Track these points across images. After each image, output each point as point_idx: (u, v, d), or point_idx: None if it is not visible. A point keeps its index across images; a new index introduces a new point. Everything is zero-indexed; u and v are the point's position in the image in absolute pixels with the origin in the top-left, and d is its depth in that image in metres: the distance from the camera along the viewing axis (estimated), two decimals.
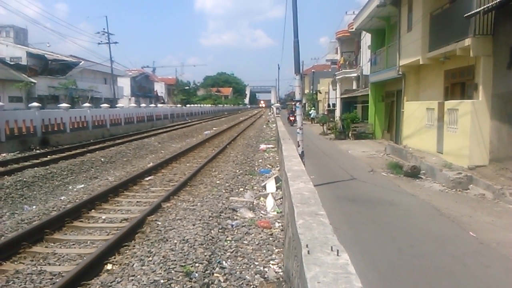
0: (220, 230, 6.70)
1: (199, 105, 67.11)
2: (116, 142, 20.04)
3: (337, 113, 33.85)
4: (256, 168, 13.30)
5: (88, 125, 23.35)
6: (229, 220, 7.36)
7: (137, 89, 65.02)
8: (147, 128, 30.98)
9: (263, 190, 9.83)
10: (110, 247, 5.86)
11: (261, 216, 7.73)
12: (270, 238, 6.43)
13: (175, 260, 5.30)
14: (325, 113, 38.21)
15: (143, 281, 4.76)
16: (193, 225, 6.82)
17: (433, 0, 14.65)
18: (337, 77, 35.86)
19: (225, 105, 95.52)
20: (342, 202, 9.17)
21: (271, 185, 9.84)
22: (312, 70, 56.90)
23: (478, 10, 10.47)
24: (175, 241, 6.03)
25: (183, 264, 5.17)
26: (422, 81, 16.83)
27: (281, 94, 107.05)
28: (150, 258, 5.46)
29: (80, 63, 46.06)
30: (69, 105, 23.13)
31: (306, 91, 54.77)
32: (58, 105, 23.04)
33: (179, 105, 54.86)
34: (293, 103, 29.07)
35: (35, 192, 10.22)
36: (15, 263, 5.68)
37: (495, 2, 9.95)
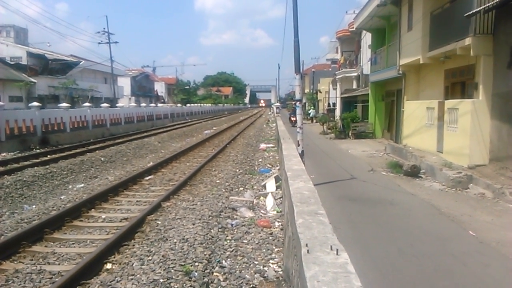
0: (220, 229, 6.70)
1: (199, 104, 67.08)
2: (116, 142, 20.05)
3: (337, 112, 33.84)
4: (256, 168, 13.30)
5: (88, 125, 23.35)
6: (229, 219, 7.35)
7: (137, 88, 65.00)
8: (147, 128, 30.98)
9: (263, 190, 9.83)
10: (110, 246, 5.86)
11: (261, 216, 7.73)
12: (270, 237, 6.43)
13: (174, 260, 5.30)
14: (325, 112, 38.21)
15: (142, 281, 4.76)
16: (193, 224, 6.82)
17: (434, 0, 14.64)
18: (337, 77, 35.84)
19: (225, 104, 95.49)
20: (342, 201, 9.17)
21: (271, 185, 9.83)
22: (312, 70, 56.87)
23: (478, 9, 10.46)
24: (175, 241, 6.03)
25: (183, 263, 5.17)
26: (422, 81, 16.82)
27: (281, 94, 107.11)
28: (150, 258, 5.46)
29: (81, 63, 46.03)
30: (69, 105, 23.14)
31: (306, 90, 54.76)
32: (58, 105, 23.04)
33: (179, 105, 54.83)
34: (293, 103, 29.02)
35: (35, 192, 10.22)
36: (15, 262, 5.68)
37: (495, 1, 9.94)
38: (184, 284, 4.69)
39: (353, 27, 28.22)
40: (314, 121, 40.70)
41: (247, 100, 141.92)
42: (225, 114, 66.05)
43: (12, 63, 37.80)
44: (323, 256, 2.60)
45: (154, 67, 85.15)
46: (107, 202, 8.88)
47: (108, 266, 5.45)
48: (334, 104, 37.59)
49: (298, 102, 11.98)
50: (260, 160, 15.05)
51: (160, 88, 79.16)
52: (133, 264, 5.32)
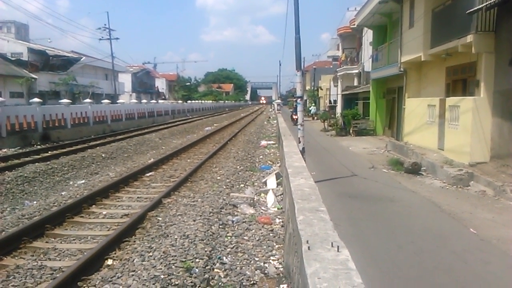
0: (220, 226, 6.71)
1: (200, 101, 67.03)
2: (117, 138, 20.04)
3: (338, 109, 33.82)
4: (257, 164, 13.31)
5: (89, 121, 23.36)
6: (230, 216, 7.36)
7: (138, 85, 64.96)
8: (148, 124, 30.97)
9: (264, 186, 9.83)
10: (111, 242, 5.87)
11: (262, 212, 7.73)
12: (271, 234, 6.44)
13: (175, 256, 5.30)
14: (327, 109, 38.17)
15: (143, 277, 4.77)
16: (194, 220, 6.82)
17: None
18: (338, 74, 35.78)
19: (226, 101, 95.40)
20: (343, 198, 9.17)
21: (271, 181, 9.84)
22: (314, 67, 56.80)
23: (480, 6, 10.43)
24: (176, 237, 6.03)
25: (184, 260, 5.17)
26: (424, 78, 16.78)
27: (282, 91, 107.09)
28: (151, 254, 5.47)
29: (81, 59, 46.02)
30: (70, 101, 23.14)
31: (307, 87, 54.73)
32: (59, 101, 23.06)
33: (180, 101, 54.77)
34: (294, 100, 28.96)
35: (35, 188, 10.24)
36: (16, 258, 5.69)
37: None
38: (185, 280, 4.70)
39: (354, 24, 28.13)
40: (315, 118, 40.67)
41: (248, 97, 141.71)
42: (226, 111, 65.99)
43: (13, 59, 37.79)
44: (324, 252, 2.60)
45: (155, 63, 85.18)
46: (108, 198, 8.89)
47: (109, 262, 5.46)
48: (335, 101, 37.56)
49: (299, 99, 11.97)
50: (261, 157, 15.06)
51: (161, 84, 79.10)
52: (134, 260, 5.33)
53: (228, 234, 6.41)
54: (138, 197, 9.02)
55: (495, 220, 7.56)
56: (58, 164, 12.51)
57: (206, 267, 5.09)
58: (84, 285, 4.79)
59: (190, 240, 5.86)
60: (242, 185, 10.09)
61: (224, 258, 5.47)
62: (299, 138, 11.26)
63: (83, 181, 11.26)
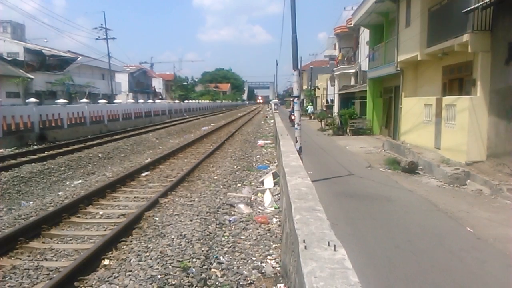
0: (217, 226, 6.71)
1: (197, 101, 66.90)
2: (114, 138, 19.99)
3: (335, 109, 33.84)
4: (254, 164, 13.31)
5: (86, 121, 23.29)
6: (227, 215, 7.36)
7: (135, 84, 64.80)
8: (145, 124, 30.92)
9: (261, 186, 9.83)
10: (108, 242, 5.86)
11: (259, 212, 7.73)
12: (268, 234, 6.43)
13: (172, 256, 5.30)
14: (324, 109, 38.19)
15: (140, 277, 4.76)
16: (191, 220, 6.82)
17: None
18: (335, 73, 35.81)
19: (223, 101, 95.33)
20: (340, 197, 9.18)
21: (268, 181, 9.84)
22: (310, 66, 56.84)
23: (476, 5, 10.45)
24: (173, 237, 6.03)
25: (181, 260, 5.17)
26: (420, 77, 16.82)
27: (279, 90, 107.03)
28: (148, 254, 5.46)
29: (78, 59, 45.85)
30: (66, 101, 23.04)
31: (304, 87, 54.74)
32: (56, 101, 22.95)
33: (177, 101, 54.71)
34: (291, 99, 28.96)
35: (32, 188, 10.20)
36: (12, 258, 5.68)
37: None
38: (182, 280, 4.69)
39: (351, 24, 28.18)
40: (312, 117, 40.70)
41: (245, 96, 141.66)
42: (223, 111, 65.96)
43: (9, 59, 37.64)
44: (321, 252, 2.60)
45: (151, 63, 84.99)
46: (105, 198, 8.87)
47: (106, 262, 5.45)
48: (332, 101, 37.58)
49: (296, 99, 11.96)
50: (258, 156, 15.06)
51: (158, 84, 78.91)
52: (130, 260, 5.32)
53: (225, 234, 6.41)
54: (135, 197, 9.00)
55: (492, 219, 7.59)
56: (55, 164, 12.47)
57: (203, 267, 5.08)
58: (81, 285, 4.78)
59: (187, 240, 5.85)
60: (239, 185, 10.09)
61: (221, 257, 5.47)
62: (296, 137, 11.27)
63: (80, 181, 11.22)
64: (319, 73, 49.76)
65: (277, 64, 66.23)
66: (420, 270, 5.36)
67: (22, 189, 9.98)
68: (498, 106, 10.73)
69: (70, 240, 6.43)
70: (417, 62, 16.14)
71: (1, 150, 15.57)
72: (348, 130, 23.99)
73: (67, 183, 11.06)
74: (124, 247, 5.93)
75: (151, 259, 5.26)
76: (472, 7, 10.54)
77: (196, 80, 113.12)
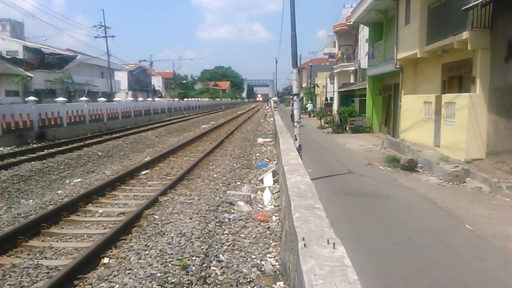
0: (217, 224, 6.70)
1: (196, 99, 66.92)
2: (113, 136, 19.99)
3: (335, 106, 33.82)
4: (253, 162, 13.31)
5: (85, 119, 23.28)
6: (226, 213, 7.36)
7: (134, 83, 64.74)
8: (144, 122, 30.90)
9: (261, 184, 9.83)
10: (107, 240, 5.86)
11: (258, 210, 7.73)
12: (267, 232, 6.44)
13: (172, 254, 5.30)
14: (323, 107, 38.17)
15: (140, 275, 4.76)
16: (190, 218, 6.82)
17: None
18: (334, 71, 35.80)
19: (223, 99, 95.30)
20: (339, 195, 9.19)
21: (268, 179, 9.84)
22: (310, 64, 56.71)
23: (476, 3, 10.43)
24: (172, 235, 6.03)
25: (180, 258, 5.17)
26: (420, 75, 16.81)
27: (278, 88, 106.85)
28: (147, 252, 5.46)
29: (77, 57, 45.82)
30: (66, 99, 23.06)
31: (304, 85, 54.68)
32: (55, 99, 22.94)
33: (176, 99, 54.68)
34: (290, 97, 28.92)
35: (31, 186, 10.19)
36: (12, 257, 5.67)
37: None
38: (181, 278, 4.69)
39: (350, 21, 28.15)
40: (312, 115, 40.68)
41: (244, 94, 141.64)
42: (223, 109, 65.92)
43: (8, 57, 37.60)
44: (320, 250, 2.61)
45: (151, 61, 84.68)
46: (105, 197, 8.87)
47: (106, 260, 5.45)
48: (332, 99, 37.57)
49: (296, 97, 11.96)
50: (258, 154, 15.06)
51: (157, 82, 78.82)
52: (130, 258, 5.32)
53: (224, 232, 6.41)
54: (134, 195, 9.00)
55: (491, 217, 7.60)
56: (54, 162, 12.47)
57: (203, 265, 5.08)
58: (81, 284, 4.78)
59: (186, 238, 5.85)
60: (239, 183, 10.09)
61: (221, 255, 5.47)
62: (295, 135, 11.26)
63: (79, 179, 11.22)
64: (319, 71, 49.74)
65: (276, 62, 66.03)
66: (419, 268, 5.37)
67: (22, 187, 9.98)
68: (497, 104, 10.73)
69: (70, 238, 6.42)
70: (416, 59, 16.13)
71: (1, 148, 15.57)
72: (347, 128, 23.98)
73: (67, 181, 11.06)
74: (124, 245, 5.94)
75: (150, 257, 5.26)
76: (471, 5, 10.52)
77: (196, 78, 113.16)
